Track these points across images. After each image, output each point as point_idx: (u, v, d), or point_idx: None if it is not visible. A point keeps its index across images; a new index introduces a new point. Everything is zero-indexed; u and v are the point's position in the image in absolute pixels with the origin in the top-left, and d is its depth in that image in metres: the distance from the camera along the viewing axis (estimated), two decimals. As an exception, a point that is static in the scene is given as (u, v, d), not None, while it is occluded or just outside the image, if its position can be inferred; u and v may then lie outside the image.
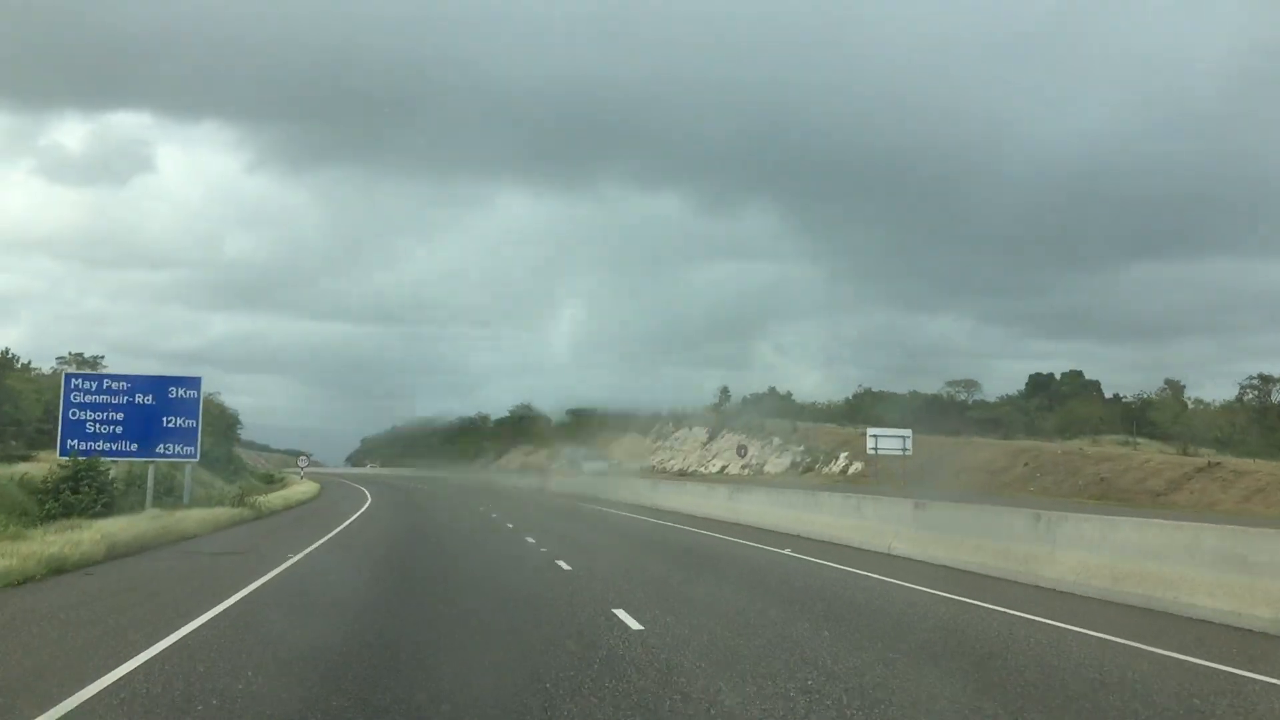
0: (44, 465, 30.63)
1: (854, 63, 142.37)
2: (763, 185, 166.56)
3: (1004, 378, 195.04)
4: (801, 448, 79.59)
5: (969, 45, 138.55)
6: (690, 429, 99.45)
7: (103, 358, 68.74)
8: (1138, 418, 72.36)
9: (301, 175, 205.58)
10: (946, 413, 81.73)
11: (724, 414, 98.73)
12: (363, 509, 36.80)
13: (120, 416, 28.63)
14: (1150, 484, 46.95)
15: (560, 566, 15.46)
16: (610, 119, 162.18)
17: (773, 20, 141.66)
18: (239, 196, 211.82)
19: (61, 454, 27.69)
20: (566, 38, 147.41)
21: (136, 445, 28.67)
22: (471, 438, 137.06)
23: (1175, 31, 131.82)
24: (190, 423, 29.36)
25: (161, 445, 28.93)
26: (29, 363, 64.58)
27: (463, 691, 7.16)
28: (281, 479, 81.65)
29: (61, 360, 69.15)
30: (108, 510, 24.58)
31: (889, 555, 17.11)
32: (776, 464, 79.22)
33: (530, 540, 20.95)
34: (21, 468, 31.64)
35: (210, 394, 75.92)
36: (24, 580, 13.07)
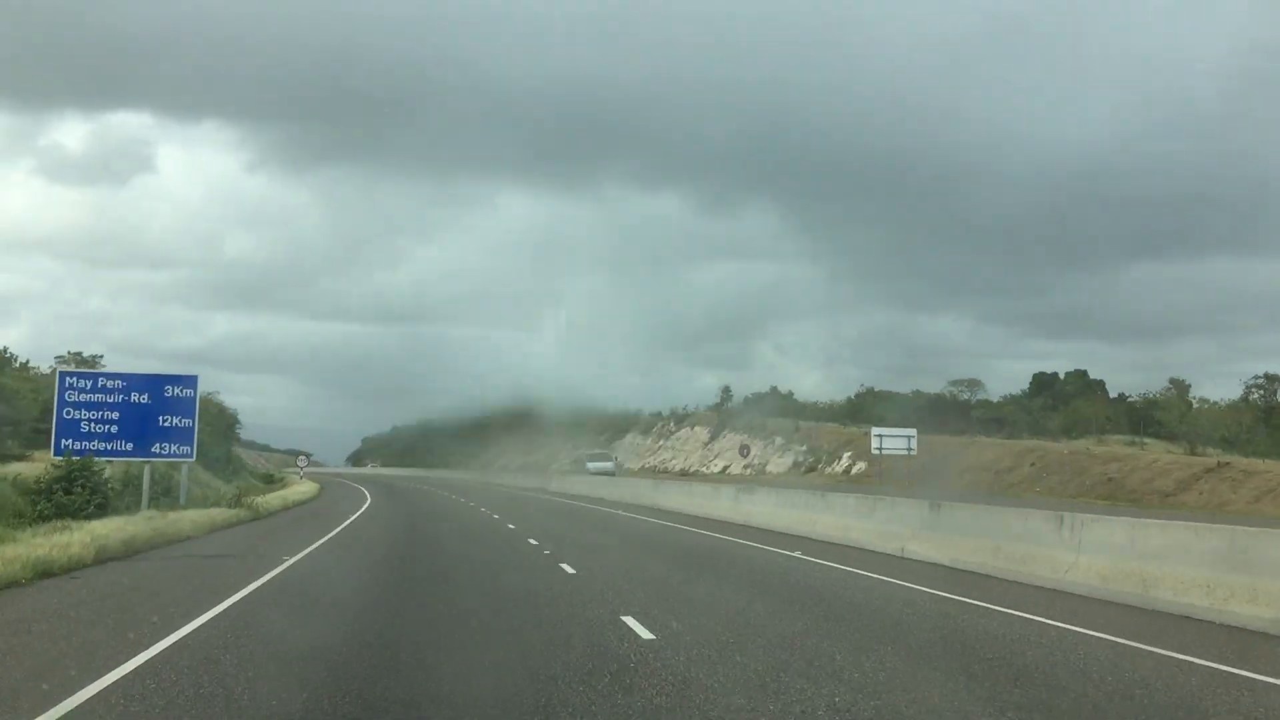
0: (39, 465, 30.16)
1: (854, 63, 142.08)
2: (763, 185, 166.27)
3: (1004, 377, 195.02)
4: (804, 447, 79.11)
5: (969, 45, 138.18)
6: (692, 429, 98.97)
7: (101, 357, 68.22)
8: (1144, 417, 71.82)
9: (302, 175, 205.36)
10: (950, 412, 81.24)
11: (726, 414, 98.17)
12: (362, 509, 36.31)
13: (115, 415, 28.15)
14: (1158, 484, 46.44)
15: (564, 570, 14.96)
16: (610, 119, 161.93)
17: (773, 20, 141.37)
18: (239, 196, 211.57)
19: (56, 454, 27.21)
20: (566, 38, 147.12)
21: (132, 445, 28.19)
22: (472, 437, 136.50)
23: (1175, 31, 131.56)
24: (187, 422, 28.89)
25: (157, 445, 28.45)
26: (27, 361, 64.29)
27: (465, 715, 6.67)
28: (281, 479, 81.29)
29: (60, 359, 68.70)
30: (102, 511, 24.09)
31: (902, 558, 16.61)
32: (779, 464, 78.73)
33: (532, 542, 20.47)
34: (16, 467, 31.16)
35: (209, 394, 75.52)
36: (8, 584, 12.57)
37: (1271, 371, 73.50)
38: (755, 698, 6.84)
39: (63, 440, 27.36)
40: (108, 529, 18.49)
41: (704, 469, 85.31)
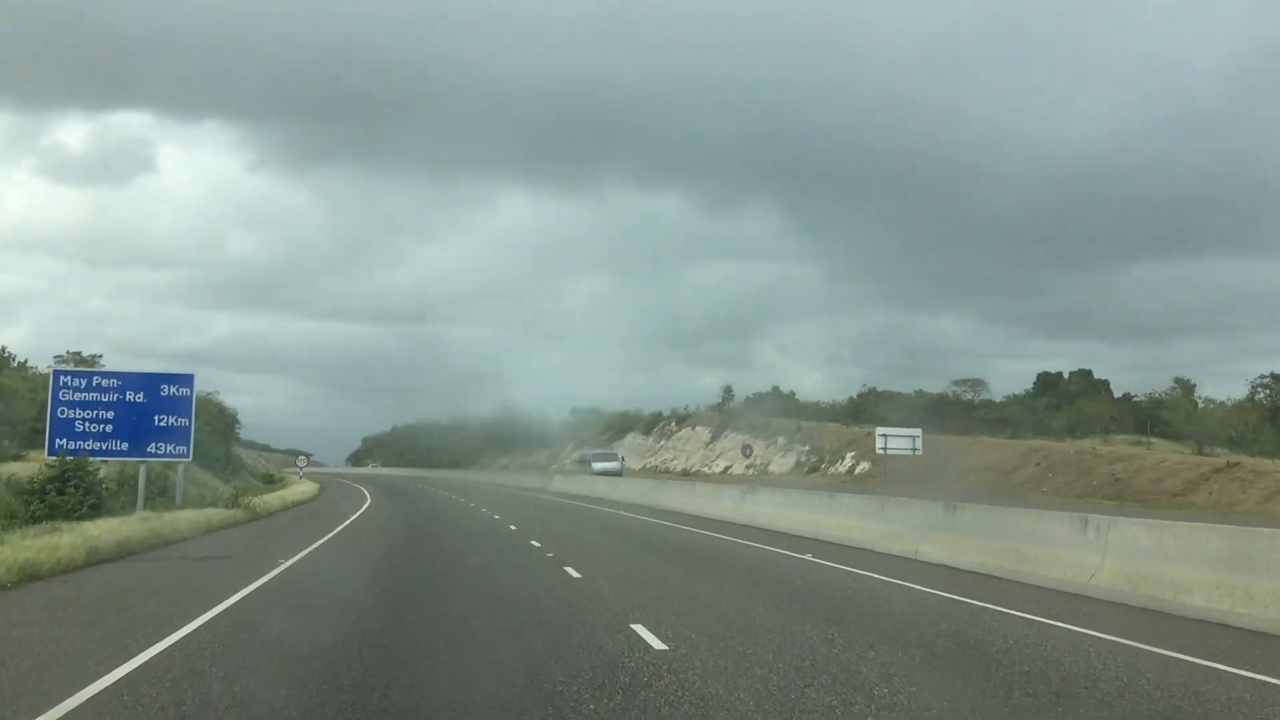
0: (34, 465, 29.71)
1: (854, 63, 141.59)
2: (763, 185, 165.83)
3: (1004, 377, 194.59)
4: (806, 447, 78.62)
5: (969, 45, 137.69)
6: (693, 429, 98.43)
7: (101, 356, 67.80)
8: (1149, 417, 71.32)
9: (302, 175, 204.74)
10: (953, 412, 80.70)
11: (727, 414, 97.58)
12: (360, 510, 35.82)
13: (110, 415, 27.70)
14: (1167, 484, 45.94)
15: (568, 573, 14.47)
16: (610, 119, 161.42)
17: (773, 20, 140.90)
18: (240, 196, 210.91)
19: (50, 453, 26.72)
20: (566, 38, 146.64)
21: (127, 444, 27.75)
22: (472, 437, 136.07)
23: (1175, 31, 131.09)
24: (183, 421, 28.43)
25: (153, 444, 28.00)
26: (26, 361, 63.90)
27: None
28: (281, 479, 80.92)
29: (59, 359, 68.30)
30: (95, 512, 23.61)
31: (916, 560, 16.12)
32: (781, 464, 78.23)
33: (535, 544, 19.99)
34: (12, 467, 30.70)
35: (209, 393, 75.28)
36: (-5, 588, 12.12)
37: (1276, 371, 73.02)
38: (781, 717, 6.35)
39: (57, 440, 26.91)
40: (100, 530, 18.02)
41: (705, 469, 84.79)
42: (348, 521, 28.63)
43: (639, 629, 9.41)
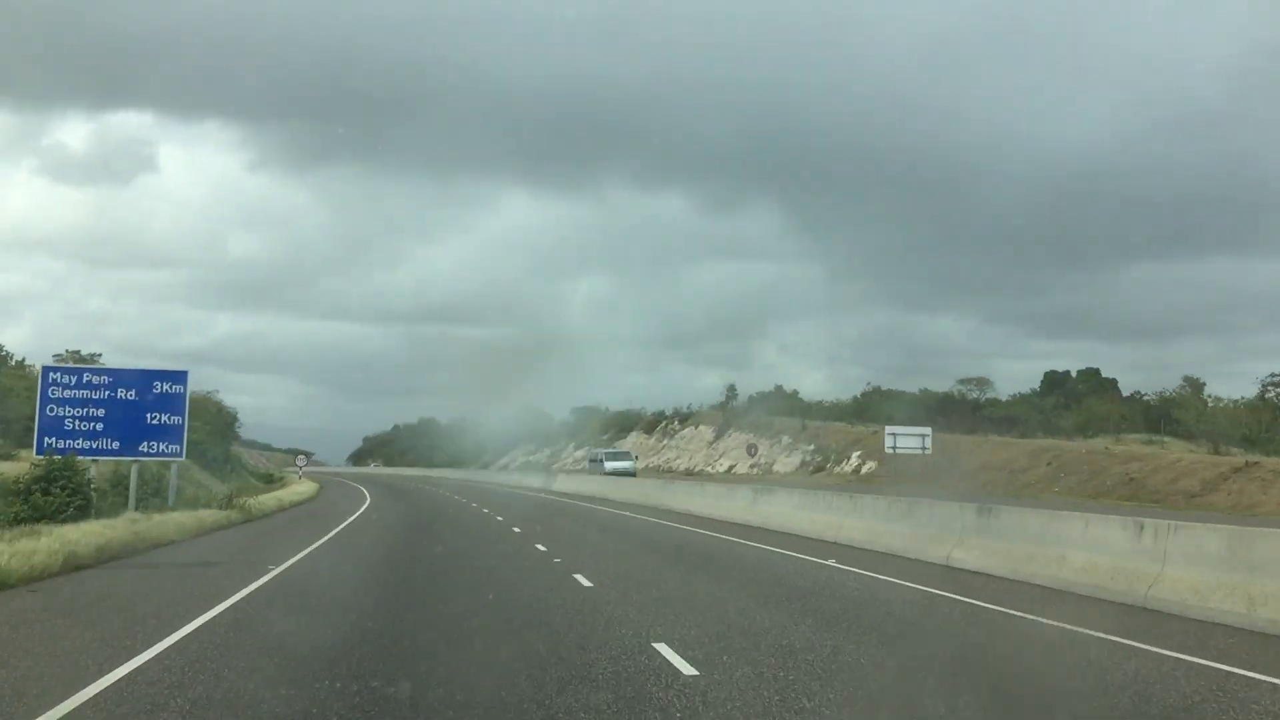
0: (25, 465, 28.83)
1: (854, 63, 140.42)
2: (764, 185, 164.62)
3: (1006, 377, 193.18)
4: (811, 447, 77.65)
5: (969, 45, 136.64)
6: (696, 428, 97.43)
7: (100, 355, 67.06)
8: (1161, 416, 70.32)
9: (303, 175, 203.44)
10: (959, 411, 79.73)
11: (731, 412, 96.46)
12: (359, 512, 34.83)
13: (101, 413, 26.78)
14: (1183, 484, 44.95)
15: (578, 581, 13.47)
16: (610, 119, 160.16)
17: (773, 20, 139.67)
18: (241, 196, 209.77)
19: (38, 452, 25.83)
20: (566, 38, 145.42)
21: (118, 443, 26.81)
22: (473, 436, 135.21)
23: (1175, 31, 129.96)
24: (176, 419, 27.51)
25: (145, 443, 27.07)
26: (23, 359, 63.10)
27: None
28: (281, 478, 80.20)
29: (58, 358, 67.52)
30: (83, 513, 22.66)
31: (948, 567, 15.13)
32: (786, 463, 77.24)
33: (541, 548, 19.00)
34: (2, 467, 29.78)
35: (208, 392, 74.51)
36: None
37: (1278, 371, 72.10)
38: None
39: (45, 439, 25.99)
40: (81, 533, 17.08)
41: (709, 468, 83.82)
42: (344, 524, 27.64)
43: (662, 649, 8.42)
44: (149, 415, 27.20)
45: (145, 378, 27.78)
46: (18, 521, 20.76)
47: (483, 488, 65.28)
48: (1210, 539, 10.73)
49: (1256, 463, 44.41)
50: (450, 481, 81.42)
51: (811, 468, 73.18)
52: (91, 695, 6.91)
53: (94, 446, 26.46)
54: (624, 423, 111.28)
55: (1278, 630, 9.43)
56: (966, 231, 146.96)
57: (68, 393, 26.83)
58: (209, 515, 26.40)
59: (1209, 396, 77.31)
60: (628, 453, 76.91)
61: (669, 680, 7.32)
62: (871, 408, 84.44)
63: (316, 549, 19.38)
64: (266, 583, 13.45)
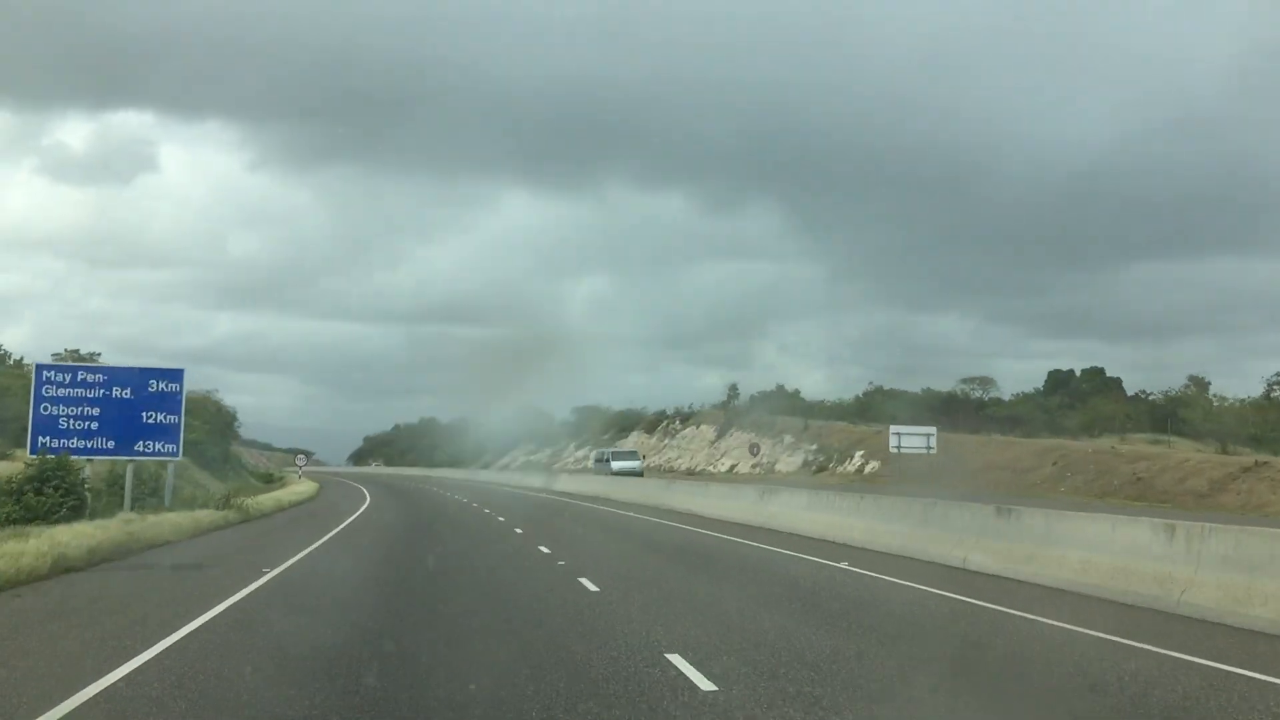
0: (19, 464, 28.39)
1: (854, 63, 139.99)
2: (764, 185, 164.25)
3: (1006, 376, 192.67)
4: (814, 446, 77.20)
5: (969, 45, 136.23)
6: (698, 427, 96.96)
7: (99, 355, 66.68)
8: (1167, 415, 69.86)
9: (303, 175, 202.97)
10: (962, 410, 79.28)
11: (732, 412, 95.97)
12: (358, 512, 34.36)
13: (96, 411, 26.39)
14: (1191, 484, 44.50)
15: (584, 585, 13.00)
16: (610, 119, 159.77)
17: (773, 20, 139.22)
18: (241, 196, 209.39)
19: (32, 452, 25.37)
20: (566, 38, 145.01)
21: (113, 443, 26.42)
22: (474, 436, 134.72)
23: (1175, 31, 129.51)
24: (172, 418, 27.09)
25: (141, 443, 26.66)
26: (22, 359, 62.68)
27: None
28: (281, 478, 79.84)
29: (57, 356, 67.16)
30: (76, 514, 22.20)
31: (965, 570, 14.65)
32: (788, 463, 76.79)
33: (544, 550, 18.53)
34: (-1, 466, 29.35)
35: (208, 392, 74.12)
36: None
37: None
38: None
39: (39, 438, 25.59)
40: (72, 535, 16.61)
41: (711, 468, 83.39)
42: (343, 525, 27.17)
43: (676, 660, 7.94)
44: (145, 414, 26.82)
45: (141, 376, 27.39)
46: (9, 522, 20.32)
47: (483, 488, 64.82)
48: (1249, 543, 10.25)
49: (1266, 462, 43.93)
50: (451, 481, 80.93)
51: (814, 467, 72.73)
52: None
53: (89, 446, 26.08)
54: (625, 422, 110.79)
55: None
56: (967, 231, 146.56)
57: (62, 391, 26.46)
58: (206, 515, 25.95)
59: (1215, 396, 76.92)
60: (635, 452, 75.34)
61: (687, 695, 6.84)
62: (873, 407, 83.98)
63: (315, 549, 18.93)
64: (263, 585, 12.99)
